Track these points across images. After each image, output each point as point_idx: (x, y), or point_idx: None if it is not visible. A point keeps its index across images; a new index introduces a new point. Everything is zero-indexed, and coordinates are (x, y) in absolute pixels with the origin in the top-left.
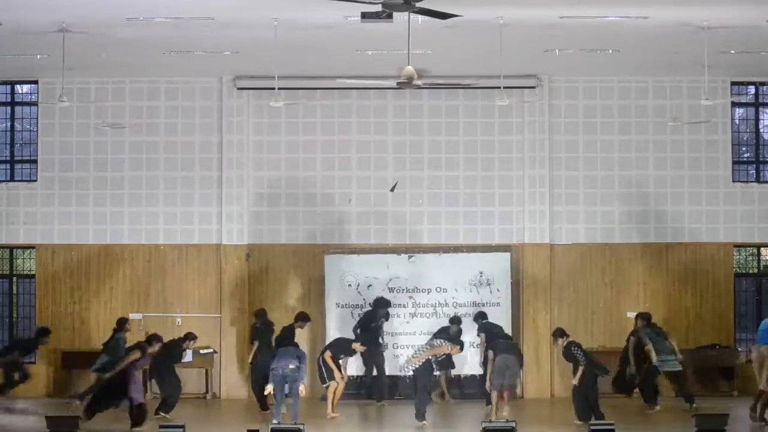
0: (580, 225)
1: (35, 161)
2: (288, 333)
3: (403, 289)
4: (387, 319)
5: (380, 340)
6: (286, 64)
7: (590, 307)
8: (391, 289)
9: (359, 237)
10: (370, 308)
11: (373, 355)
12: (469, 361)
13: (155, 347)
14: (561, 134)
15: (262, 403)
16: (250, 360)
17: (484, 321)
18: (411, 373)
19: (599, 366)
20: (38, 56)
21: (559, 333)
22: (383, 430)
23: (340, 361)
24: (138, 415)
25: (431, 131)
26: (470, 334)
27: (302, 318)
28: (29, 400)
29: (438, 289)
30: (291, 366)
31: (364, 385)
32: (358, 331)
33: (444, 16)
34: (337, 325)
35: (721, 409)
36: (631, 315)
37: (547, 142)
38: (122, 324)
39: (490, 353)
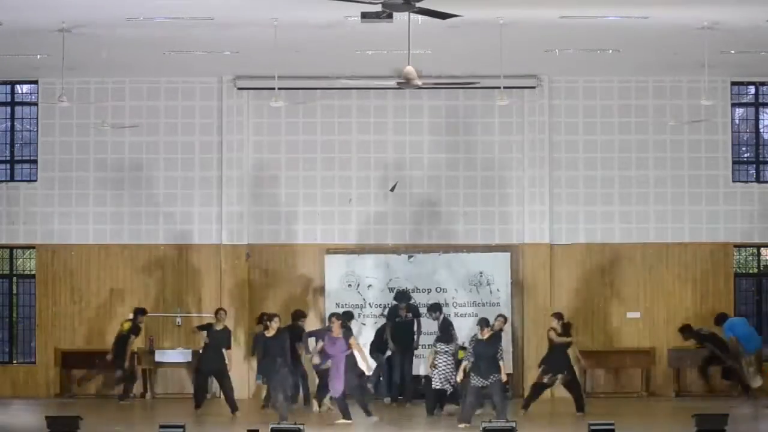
0: (580, 225)
1: (35, 161)
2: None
3: (403, 288)
4: (414, 315)
5: (413, 338)
6: (286, 64)
7: (590, 307)
8: (391, 289)
9: (358, 237)
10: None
11: (401, 353)
12: None
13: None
14: (561, 134)
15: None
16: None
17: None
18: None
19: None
20: (38, 56)
21: (485, 322)
22: (379, 429)
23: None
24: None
25: (431, 131)
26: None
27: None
28: (29, 400)
29: (438, 289)
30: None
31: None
32: (388, 327)
33: (444, 16)
34: None
35: (721, 409)
36: (632, 315)
37: (547, 142)
38: (299, 315)
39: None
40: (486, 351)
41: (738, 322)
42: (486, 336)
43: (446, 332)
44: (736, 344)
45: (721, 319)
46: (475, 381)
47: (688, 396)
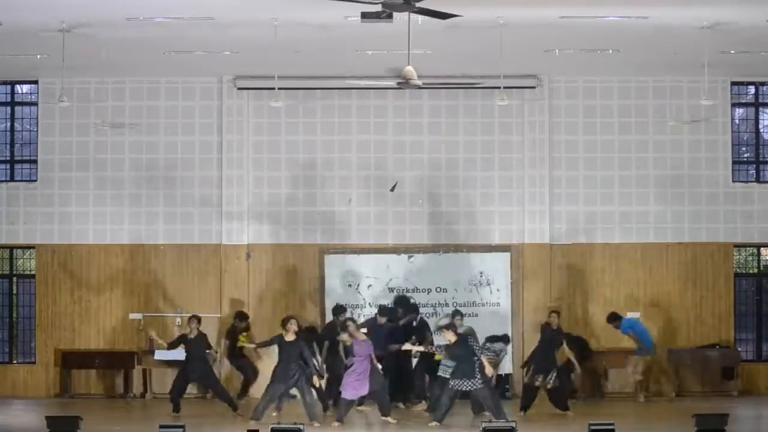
0: (580, 225)
1: (35, 161)
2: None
3: (403, 289)
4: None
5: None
6: (286, 64)
7: (591, 307)
8: (391, 289)
9: (359, 237)
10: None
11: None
12: None
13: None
14: (561, 134)
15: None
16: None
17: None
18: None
19: None
20: (38, 56)
21: (451, 326)
22: (380, 429)
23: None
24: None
25: (431, 131)
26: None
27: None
28: (29, 400)
29: (438, 289)
30: None
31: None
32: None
33: (444, 16)
34: None
35: (721, 409)
36: (632, 315)
37: (547, 142)
38: (340, 310)
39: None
40: (461, 353)
41: (635, 321)
42: (453, 341)
43: (422, 333)
44: (638, 341)
45: (614, 317)
46: (453, 383)
47: (688, 396)
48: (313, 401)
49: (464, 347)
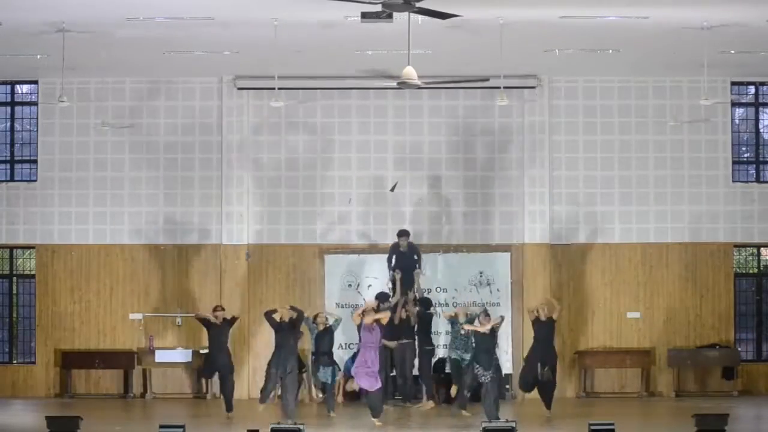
0: (580, 225)
1: (35, 161)
2: None
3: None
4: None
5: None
6: (286, 64)
7: (590, 307)
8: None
9: (359, 237)
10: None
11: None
12: None
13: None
14: (561, 134)
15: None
16: None
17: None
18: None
19: None
20: (38, 56)
21: (486, 313)
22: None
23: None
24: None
25: (431, 131)
26: None
27: None
28: (29, 400)
29: (438, 289)
30: None
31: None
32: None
33: (444, 16)
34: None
35: (721, 409)
36: (632, 315)
37: (547, 142)
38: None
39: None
40: (487, 343)
41: None
42: (487, 328)
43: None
44: None
45: None
46: (478, 371)
47: (688, 396)
48: (292, 398)
49: (493, 340)
